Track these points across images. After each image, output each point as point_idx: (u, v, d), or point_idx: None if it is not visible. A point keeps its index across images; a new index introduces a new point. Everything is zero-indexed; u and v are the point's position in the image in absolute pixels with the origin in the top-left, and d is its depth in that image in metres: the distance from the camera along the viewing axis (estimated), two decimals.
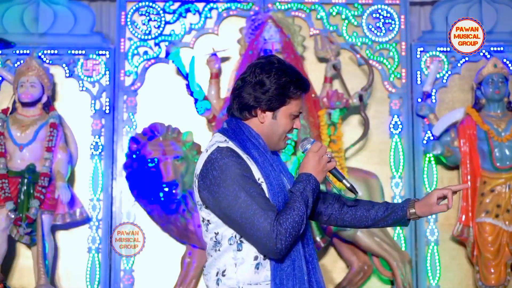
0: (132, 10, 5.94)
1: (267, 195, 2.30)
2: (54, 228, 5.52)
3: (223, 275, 2.33)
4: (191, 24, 5.97)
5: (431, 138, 5.79)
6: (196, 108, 5.53)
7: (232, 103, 2.44)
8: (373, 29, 6.01)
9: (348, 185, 2.42)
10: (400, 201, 5.76)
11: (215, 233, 2.36)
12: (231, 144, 2.35)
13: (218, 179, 2.28)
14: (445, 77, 5.98)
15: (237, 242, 2.32)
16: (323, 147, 2.39)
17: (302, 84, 2.42)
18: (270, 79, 2.37)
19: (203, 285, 5.59)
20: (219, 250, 2.35)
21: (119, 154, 5.74)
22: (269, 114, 2.40)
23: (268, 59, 2.42)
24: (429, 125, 5.82)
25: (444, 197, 2.46)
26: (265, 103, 2.38)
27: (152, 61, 5.91)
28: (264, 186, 2.32)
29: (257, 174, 2.32)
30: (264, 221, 2.22)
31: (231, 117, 2.47)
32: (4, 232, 5.30)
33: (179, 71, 5.72)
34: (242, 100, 2.40)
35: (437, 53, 5.99)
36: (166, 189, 5.24)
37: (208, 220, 2.38)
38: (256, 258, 2.31)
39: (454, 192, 2.48)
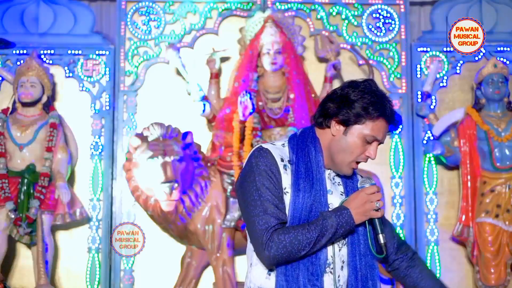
0: (132, 10, 5.94)
1: (287, 205, 2.29)
2: (54, 228, 5.52)
3: (251, 266, 2.37)
4: (191, 24, 5.98)
5: (431, 138, 5.79)
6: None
7: (317, 110, 2.42)
8: (373, 29, 6.01)
9: (382, 241, 2.30)
10: (400, 200, 5.80)
11: (246, 230, 2.40)
12: (276, 147, 2.35)
13: (246, 172, 2.32)
14: (445, 77, 5.98)
15: None
16: (377, 194, 2.29)
17: (383, 109, 2.32)
18: (355, 93, 2.33)
19: (203, 285, 5.61)
20: (247, 246, 2.39)
21: (119, 154, 5.74)
22: (342, 128, 2.33)
23: (364, 80, 2.41)
24: (429, 125, 5.82)
25: None
26: (341, 114, 2.31)
27: (152, 61, 5.91)
28: (287, 196, 2.29)
29: (286, 183, 2.30)
30: (263, 224, 2.23)
31: (311, 125, 2.44)
32: (4, 232, 5.30)
33: (179, 71, 5.73)
34: (325, 107, 2.36)
35: (437, 53, 5.99)
36: (166, 189, 5.24)
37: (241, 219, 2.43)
38: None
39: None
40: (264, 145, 2.34)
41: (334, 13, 6.02)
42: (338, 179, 2.40)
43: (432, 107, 5.86)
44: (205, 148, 5.57)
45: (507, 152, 5.61)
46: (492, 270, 5.52)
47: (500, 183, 5.58)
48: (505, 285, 5.54)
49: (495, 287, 5.51)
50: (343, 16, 6.02)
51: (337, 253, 2.32)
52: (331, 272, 2.31)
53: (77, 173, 5.77)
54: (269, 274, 2.30)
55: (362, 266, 2.34)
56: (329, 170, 2.39)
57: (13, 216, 5.27)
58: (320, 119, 2.37)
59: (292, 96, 5.50)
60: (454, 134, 5.72)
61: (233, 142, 5.39)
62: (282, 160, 2.32)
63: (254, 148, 2.36)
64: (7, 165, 5.39)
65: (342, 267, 2.32)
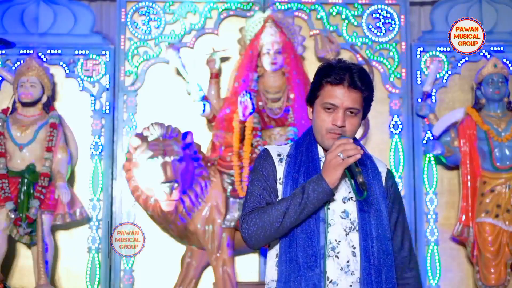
0: (132, 10, 5.94)
1: (280, 194, 2.36)
2: (54, 228, 5.52)
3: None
4: (191, 24, 5.98)
5: (431, 138, 5.79)
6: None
7: None
8: (373, 29, 6.01)
9: (361, 180, 2.28)
10: None
11: None
12: (276, 147, 2.47)
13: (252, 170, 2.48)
14: (445, 77, 5.98)
15: None
16: (340, 147, 2.27)
17: (327, 75, 2.36)
18: (315, 74, 2.45)
19: (203, 285, 5.61)
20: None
21: (119, 154, 5.74)
22: (311, 109, 2.45)
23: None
24: (429, 125, 5.82)
25: None
26: (307, 97, 2.46)
27: (152, 61, 5.91)
28: (281, 186, 2.38)
29: (280, 174, 2.39)
30: (244, 210, 2.37)
31: None
32: (4, 232, 5.30)
33: (179, 71, 5.73)
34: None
35: (437, 53, 5.99)
36: (166, 189, 5.24)
37: None
38: (276, 256, 2.37)
39: None
40: (267, 146, 2.48)
41: (334, 13, 6.02)
42: None
43: (431, 101, 5.87)
44: (205, 148, 5.57)
45: (507, 152, 5.61)
46: (492, 270, 5.52)
47: (500, 183, 5.58)
48: (505, 285, 5.54)
49: (495, 287, 5.51)
50: (343, 16, 6.02)
51: (344, 237, 2.32)
52: (336, 256, 2.30)
53: (77, 173, 5.77)
54: (277, 266, 2.35)
55: (375, 251, 2.32)
56: None
57: (13, 216, 5.26)
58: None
59: (292, 96, 5.50)
60: (454, 134, 5.72)
61: (233, 142, 5.38)
62: (279, 155, 2.43)
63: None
64: (7, 165, 5.39)
65: (353, 252, 2.31)
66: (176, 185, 5.20)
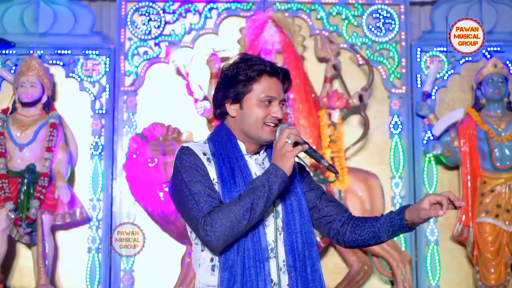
0: (132, 10, 5.94)
1: (220, 194, 2.30)
2: (54, 228, 5.52)
3: (196, 273, 2.37)
4: (191, 24, 5.98)
5: (431, 138, 5.79)
6: (196, 108, 5.55)
7: (213, 108, 2.47)
8: (373, 29, 6.01)
9: (326, 164, 2.31)
10: (400, 200, 5.80)
11: (189, 232, 2.40)
12: (197, 145, 2.39)
13: (173, 175, 2.34)
14: (445, 77, 5.98)
15: (200, 242, 2.33)
16: (285, 132, 2.27)
17: (259, 67, 2.35)
18: (229, 71, 2.37)
19: None
20: (192, 250, 2.40)
21: (119, 154, 5.74)
22: (236, 106, 2.37)
23: (232, 58, 2.44)
24: (429, 125, 5.82)
25: (439, 203, 2.31)
26: (230, 94, 2.36)
27: (152, 61, 5.92)
28: (217, 187, 2.31)
29: (213, 174, 2.32)
30: (197, 214, 2.23)
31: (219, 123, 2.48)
32: (4, 232, 5.30)
33: (179, 71, 5.73)
34: (215, 101, 2.43)
35: (437, 53, 5.99)
36: (166, 189, 5.24)
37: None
38: (211, 260, 2.31)
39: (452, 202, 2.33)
40: (185, 144, 2.38)
41: (334, 13, 6.02)
42: (267, 163, 2.41)
43: (431, 101, 5.87)
44: None
45: (507, 152, 5.61)
46: (492, 270, 5.52)
47: (500, 183, 5.58)
48: (505, 285, 5.54)
49: (495, 287, 5.51)
50: (343, 16, 6.02)
51: (279, 237, 2.32)
52: (274, 257, 2.30)
53: (77, 173, 5.77)
54: (213, 270, 2.30)
55: (299, 244, 2.33)
56: (256, 155, 2.41)
57: (13, 216, 5.27)
58: (217, 111, 2.42)
59: (292, 96, 5.50)
60: (454, 134, 5.72)
61: None
62: (204, 154, 2.35)
63: (177, 150, 2.38)
64: (7, 165, 5.39)
65: (285, 251, 2.32)
66: None
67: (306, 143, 2.30)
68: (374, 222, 2.43)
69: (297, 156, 2.29)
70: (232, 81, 2.35)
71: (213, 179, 2.31)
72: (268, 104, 2.35)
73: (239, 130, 2.38)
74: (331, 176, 2.43)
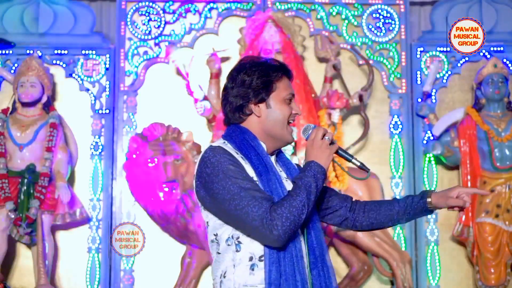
0: (132, 10, 5.94)
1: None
2: (54, 228, 5.52)
3: (224, 277, 2.32)
4: (191, 24, 5.98)
5: (431, 138, 5.79)
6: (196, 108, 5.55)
7: (225, 114, 2.47)
8: (373, 29, 6.01)
9: (358, 163, 2.38)
10: None
11: (214, 234, 2.36)
12: (225, 145, 2.38)
13: (211, 175, 2.29)
14: (445, 77, 5.98)
15: (235, 242, 2.31)
16: (321, 130, 2.35)
17: (278, 66, 2.47)
18: (248, 73, 2.41)
19: (203, 285, 5.60)
20: (219, 252, 2.35)
21: (119, 154, 5.74)
22: (262, 106, 2.41)
23: (239, 63, 2.49)
24: (429, 125, 5.82)
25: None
26: (253, 95, 2.39)
27: (152, 61, 5.91)
28: (258, 184, 2.31)
29: (251, 173, 2.32)
30: (258, 209, 2.21)
31: (229, 127, 2.47)
32: (4, 232, 5.30)
33: (179, 71, 5.73)
34: (231, 104, 2.43)
35: (437, 53, 5.99)
36: (166, 189, 5.24)
37: (207, 222, 2.39)
38: (251, 259, 2.29)
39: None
40: (214, 144, 2.38)
41: (334, 13, 6.02)
42: (278, 166, 2.47)
43: (431, 101, 5.87)
44: (205, 148, 5.56)
45: (507, 152, 5.61)
46: (492, 270, 5.52)
47: (500, 183, 5.58)
48: (505, 285, 5.54)
49: (495, 287, 5.51)
50: (343, 16, 6.02)
51: (300, 235, 2.36)
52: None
53: (77, 173, 5.77)
54: (252, 269, 2.28)
55: (317, 241, 2.39)
56: (273, 156, 2.46)
57: (13, 216, 5.27)
58: (236, 115, 2.43)
59: None
60: (454, 134, 5.72)
61: None
62: (237, 153, 2.36)
63: (205, 150, 2.36)
64: (7, 165, 5.39)
65: (308, 249, 2.37)
66: (176, 185, 5.21)
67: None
68: (391, 206, 2.54)
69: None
70: (254, 83, 2.40)
71: (252, 177, 2.32)
72: (289, 102, 2.44)
73: (262, 130, 2.41)
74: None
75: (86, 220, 5.64)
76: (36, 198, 5.31)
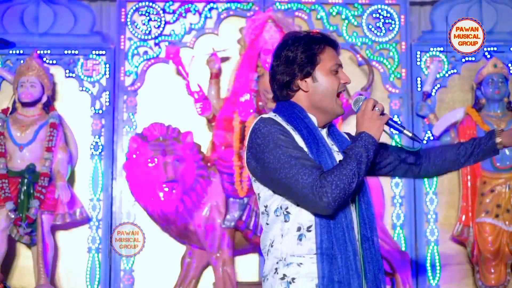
0: (132, 10, 5.94)
1: None
2: (54, 228, 5.52)
3: (272, 246, 2.33)
4: (191, 24, 5.97)
5: (431, 138, 5.79)
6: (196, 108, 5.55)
7: (274, 92, 2.49)
8: (373, 29, 6.01)
9: (410, 134, 2.38)
10: (400, 200, 5.80)
11: (264, 206, 2.37)
12: (275, 117, 2.38)
13: (261, 145, 2.30)
14: (445, 77, 5.98)
15: (283, 213, 2.31)
16: (371, 101, 2.35)
17: (320, 38, 2.44)
18: (291, 50, 2.41)
19: (203, 285, 5.61)
20: (267, 223, 2.36)
21: (119, 154, 5.74)
22: (309, 80, 2.40)
23: (282, 40, 2.49)
24: (429, 125, 5.82)
25: None
26: (298, 71, 2.39)
27: (152, 61, 5.91)
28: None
29: (301, 144, 2.32)
30: (308, 177, 2.21)
31: (278, 103, 2.49)
32: (4, 232, 5.30)
33: (179, 71, 5.73)
34: (278, 82, 2.44)
35: (437, 53, 5.99)
36: (166, 189, 5.24)
37: (258, 194, 2.41)
38: (299, 229, 2.29)
39: None
40: (265, 115, 2.38)
41: (334, 13, 6.02)
42: (329, 140, 2.46)
43: (431, 101, 5.87)
44: (205, 148, 5.57)
45: (507, 152, 5.61)
46: (492, 270, 5.52)
47: (500, 183, 5.58)
48: (505, 285, 5.54)
49: (495, 287, 5.51)
50: (343, 16, 6.02)
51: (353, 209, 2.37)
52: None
53: (77, 173, 5.77)
54: (300, 239, 2.28)
55: (369, 215, 2.39)
56: (324, 129, 2.46)
57: (13, 216, 5.27)
58: (284, 92, 2.44)
59: None
60: (454, 134, 5.72)
61: (233, 142, 5.39)
62: (287, 125, 2.36)
63: (255, 122, 2.35)
64: (7, 165, 5.39)
65: (359, 222, 2.36)
66: (176, 185, 5.21)
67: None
68: (457, 150, 2.59)
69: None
70: (299, 58, 2.40)
71: (302, 147, 2.32)
72: (336, 72, 2.42)
73: (311, 104, 2.41)
74: (415, 144, 2.48)
75: (86, 220, 5.64)
76: (36, 198, 5.31)
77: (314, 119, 2.41)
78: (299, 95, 2.42)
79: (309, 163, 2.24)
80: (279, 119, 2.37)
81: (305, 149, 2.30)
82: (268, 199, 2.35)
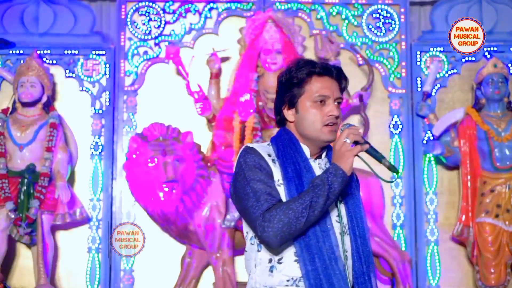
0: (132, 10, 5.94)
1: (283, 197, 2.29)
2: (54, 228, 5.52)
3: (249, 275, 2.36)
4: (191, 24, 5.98)
5: (431, 138, 5.79)
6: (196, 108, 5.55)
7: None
8: (373, 29, 6.01)
9: (387, 164, 2.30)
10: (400, 200, 5.79)
11: (246, 232, 2.40)
12: (262, 146, 2.38)
13: (236, 174, 2.34)
14: (445, 77, 5.98)
15: (256, 242, 2.33)
16: (345, 132, 2.28)
17: (307, 68, 2.37)
18: (283, 77, 2.40)
19: (203, 285, 5.60)
20: (246, 250, 2.39)
21: (119, 154, 5.74)
22: (292, 110, 2.38)
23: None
24: (429, 125, 5.82)
25: None
26: (285, 99, 2.38)
27: (152, 61, 5.91)
28: (282, 188, 2.30)
29: (277, 175, 2.32)
30: (257, 210, 2.23)
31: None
32: (4, 232, 5.30)
33: (179, 71, 5.73)
34: (274, 107, 2.45)
35: (437, 53, 5.99)
36: (166, 189, 5.24)
37: (241, 219, 2.44)
38: (270, 261, 2.29)
39: None
40: (249, 144, 2.38)
41: (334, 13, 6.02)
42: (321, 170, 2.40)
43: (431, 101, 5.88)
44: (205, 148, 5.57)
45: (507, 152, 5.61)
46: (492, 270, 5.52)
47: (500, 183, 5.58)
48: (505, 285, 5.54)
49: (495, 287, 5.51)
50: (343, 16, 6.02)
51: (340, 241, 2.31)
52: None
53: (77, 173, 5.77)
54: (271, 271, 2.28)
55: (364, 250, 2.34)
56: (319, 159, 2.41)
57: (13, 216, 5.27)
58: (277, 118, 2.44)
59: None
60: (454, 134, 5.72)
61: (233, 142, 5.39)
62: (269, 155, 2.34)
63: (241, 150, 2.38)
64: (7, 165, 5.39)
65: (346, 256, 2.31)
66: (176, 185, 5.21)
67: (367, 142, 2.29)
68: None
69: (358, 156, 2.29)
70: (286, 86, 2.38)
71: (278, 180, 2.31)
72: (323, 103, 2.35)
73: (299, 134, 2.39)
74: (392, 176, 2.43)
75: (86, 220, 5.64)
76: (36, 198, 5.31)
77: (306, 149, 2.39)
78: (289, 124, 2.42)
79: (264, 196, 2.24)
80: (266, 148, 2.37)
81: (281, 181, 2.30)
82: (246, 226, 2.37)
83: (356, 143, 2.27)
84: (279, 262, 2.28)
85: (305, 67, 2.36)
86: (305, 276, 2.24)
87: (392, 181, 2.46)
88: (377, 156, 2.31)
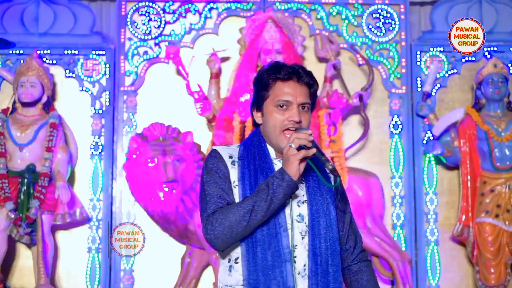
0: (132, 10, 5.94)
1: (237, 198, 2.33)
2: (54, 228, 5.52)
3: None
4: (191, 24, 5.98)
5: (431, 138, 5.79)
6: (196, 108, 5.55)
7: None
8: (373, 29, 6.01)
9: (330, 167, 2.28)
10: (400, 200, 5.80)
11: None
12: (227, 148, 2.43)
13: (201, 176, 2.42)
14: (445, 77, 5.98)
15: None
16: (292, 136, 2.29)
17: (271, 72, 2.39)
18: (255, 79, 2.46)
19: (203, 285, 5.61)
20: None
21: (119, 154, 5.74)
22: (259, 113, 2.43)
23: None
24: (429, 125, 5.82)
25: None
26: (254, 102, 2.45)
27: (152, 61, 5.91)
28: (237, 190, 2.34)
29: (234, 177, 2.36)
30: (204, 212, 2.31)
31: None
32: (4, 232, 5.30)
33: (179, 71, 5.73)
34: (250, 110, 2.52)
35: (437, 53, 5.99)
36: (166, 189, 5.24)
37: None
38: (229, 260, 2.35)
39: None
40: (215, 147, 2.43)
41: (334, 13, 6.02)
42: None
43: (431, 101, 5.88)
44: (205, 148, 5.57)
45: (507, 152, 5.61)
46: (492, 270, 5.52)
47: (500, 183, 5.58)
48: (505, 285, 5.54)
49: (495, 287, 5.51)
50: (343, 16, 6.02)
51: (301, 241, 2.32)
52: (294, 261, 2.31)
53: (77, 173, 5.77)
54: (230, 270, 2.33)
55: (323, 250, 2.33)
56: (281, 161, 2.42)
57: (13, 216, 5.27)
58: (252, 119, 2.49)
59: None
60: (454, 134, 5.72)
61: (233, 142, 5.39)
62: (230, 157, 2.39)
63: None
64: (7, 165, 5.39)
65: (308, 255, 2.32)
66: (176, 185, 5.21)
67: (316, 147, 2.29)
68: None
69: (307, 159, 2.29)
70: (255, 89, 2.44)
71: (233, 181, 2.35)
72: (285, 108, 2.36)
73: (265, 135, 2.43)
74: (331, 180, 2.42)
75: (86, 220, 5.64)
76: (36, 198, 5.31)
77: (272, 150, 2.41)
78: (260, 126, 2.46)
79: (214, 199, 2.30)
80: (230, 150, 2.41)
81: (236, 182, 2.34)
82: None
83: (303, 147, 2.28)
84: (235, 262, 2.33)
85: (271, 71, 2.39)
86: (246, 276, 2.28)
87: (334, 186, 2.41)
88: (323, 160, 2.30)
